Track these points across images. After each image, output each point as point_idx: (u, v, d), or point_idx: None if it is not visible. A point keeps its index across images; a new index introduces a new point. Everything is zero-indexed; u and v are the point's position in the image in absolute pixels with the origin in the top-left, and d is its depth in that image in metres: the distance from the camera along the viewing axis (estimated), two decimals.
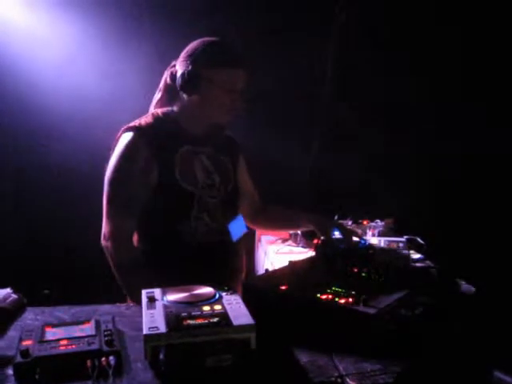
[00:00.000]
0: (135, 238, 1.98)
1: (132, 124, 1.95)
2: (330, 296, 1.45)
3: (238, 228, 2.06)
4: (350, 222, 2.51)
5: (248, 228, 2.19)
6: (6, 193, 3.36)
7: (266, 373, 1.23)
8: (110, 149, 1.95)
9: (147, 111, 2.05)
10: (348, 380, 1.19)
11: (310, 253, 2.31)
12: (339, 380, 1.20)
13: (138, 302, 1.47)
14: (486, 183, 3.39)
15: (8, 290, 1.41)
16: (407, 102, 3.46)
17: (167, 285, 1.43)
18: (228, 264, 2.04)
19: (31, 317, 1.52)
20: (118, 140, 1.94)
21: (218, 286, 1.41)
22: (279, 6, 3.31)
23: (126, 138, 1.91)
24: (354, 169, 3.42)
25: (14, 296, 1.37)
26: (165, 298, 1.35)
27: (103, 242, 1.91)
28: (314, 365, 1.26)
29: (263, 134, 3.13)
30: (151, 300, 1.35)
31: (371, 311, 1.34)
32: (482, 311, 1.59)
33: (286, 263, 1.81)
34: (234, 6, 3.23)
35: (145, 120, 1.97)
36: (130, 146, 1.89)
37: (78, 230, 3.25)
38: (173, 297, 1.36)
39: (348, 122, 3.52)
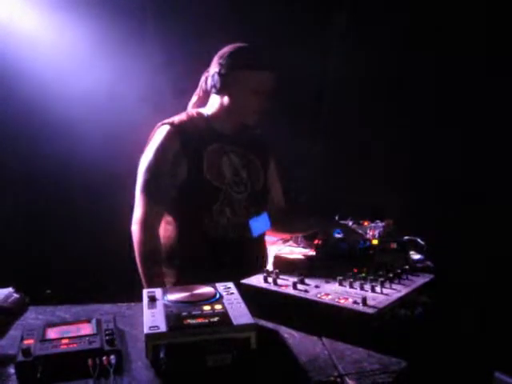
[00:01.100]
0: (162, 226, 2.08)
1: (167, 120, 2.08)
2: (330, 296, 1.46)
3: (260, 224, 2.13)
4: (350, 223, 2.50)
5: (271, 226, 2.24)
6: (7, 192, 3.36)
7: (265, 372, 1.23)
8: (146, 143, 2.07)
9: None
10: (347, 380, 1.20)
11: (311, 253, 2.31)
12: (338, 380, 1.21)
13: (153, 286, 1.56)
14: (486, 182, 3.39)
15: (10, 290, 1.42)
16: (408, 102, 3.47)
17: (185, 277, 1.46)
18: (247, 258, 2.09)
19: (33, 316, 1.53)
20: (153, 134, 2.08)
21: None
22: (281, 7, 3.32)
23: (160, 132, 2.05)
24: (354, 168, 3.42)
25: (16, 295, 1.38)
26: (165, 298, 1.36)
27: (133, 226, 2.03)
28: (313, 364, 1.26)
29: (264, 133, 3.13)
30: (152, 299, 1.35)
31: (371, 311, 1.35)
32: (482, 311, 1.59)
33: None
34: (235, 5, 3.23)
35: (179, 118, 2.10)
36: (162, 140, 2.03)
37: (80, 230, 3.26)
38: (173, 296, 1.36)
39: (349, 123, 3.52)
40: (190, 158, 2.02)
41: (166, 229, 2.09)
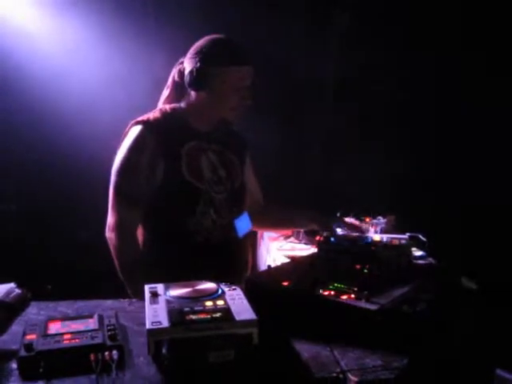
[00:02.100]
0: (140, 231, 1.99)
1: (140, 118, 1.98)
2: (333, 292, 1.46)
3: (243, 224, 2.07)
4: (352, 219, 2.50)
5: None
6: (9, 189, 3.36)
7: (268, 368, 1.23)
8: (118, 142, 1.98)
9: (152, 106, 2.07)
10: (350, 376, 1.20)
11: (313, 249, 2.31)
12: (341, 376, 1.21)
13: (138, 295, 1.49)
14: (487, 180, 3.39)
15: (12, 285, 1.42)
16: (409, 101, 3.46)
17: (170, 281, 1.44)
18: (234, 260, 2.04)
19: (35, 311, 1.53)
20: (126, 133, 1.98)
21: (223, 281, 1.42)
22: (282, 6, 3.31)
23: (134, 131, 1.95)
24: (354, 167, 3.42)
25: (18, 291, 1.38)
26: (168, 293, 1.36)
27: (107, 233, 1.94)
28: (315, 360, 1.26)
29: (265, 132, 3.12)
30: (154, 295, 1.35)
31: (373, 307, 1.35)
32: (484, 308, 1.59)
33: (288, 260, 1.82)
34: (237, 2, 3.23)
35: (153, 115, 2.00)
36: (137, 139, 1.93)
37: (81, 225, 3.27)
38: (175, 292, 1.36)
39: (349, 121, 3.52)
40: (166, 158, 1.92)
41: (143, 232, 2.00)
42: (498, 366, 1.30)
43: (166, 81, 2.08)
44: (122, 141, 1.97)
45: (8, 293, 1.36)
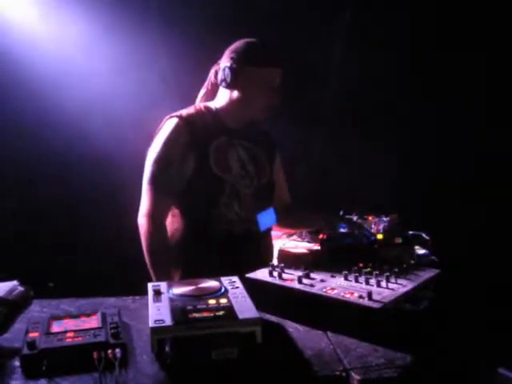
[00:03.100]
0: (169, 220, 2.08)
1: (175, 113, 2.09)
2: (336, 290, 1.46)
3: (267, 219, 2.14)
4: (355, 218, 2.50)
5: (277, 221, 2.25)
6: (10, 187, 3.36)
7: (271, 366, 1.23)
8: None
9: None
10: (352, 374, 1.20)
11: (316, 248, 2.31)
12: (344, 374, 1.20)
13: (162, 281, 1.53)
14: (489, 177, 3.39)
15: (15, 283, 1.42)
16: (409, 101, 3.46)
17: (191, 270, 1.45)
18: (253, 253, 2.07)
19: (38, 309, 1.53)
20: (161, 127, 2.08)
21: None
22: (282, 6, 3.31)
23: (168, 124, 2.06)
24: (355, 165, 3.42)
25: (21, 288, 1.38)
26: (171, 292, 1.36)
27: (139, 219, 2.03)
28: (318, 359, 1.26)
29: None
30: (157, 293, 1.35)
31: (376, 305, 1.34)
32: (487, 307, 1.59)
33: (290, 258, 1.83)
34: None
35: (187, 111, 2.11)
36: (171, 132, 2.03)
37: (84, 223, 3.26)
38: (179, 290, 1.36)
39: (350, 120, 3.52)
40: (197, 151, 2.02)
41: (172, 221, 2.09)
42: (500, 364, 1.30)
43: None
44: (157, 134, 2.07)
45: (11, 290, 1.37)
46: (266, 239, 2.19)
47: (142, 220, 2.01)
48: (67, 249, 3.31)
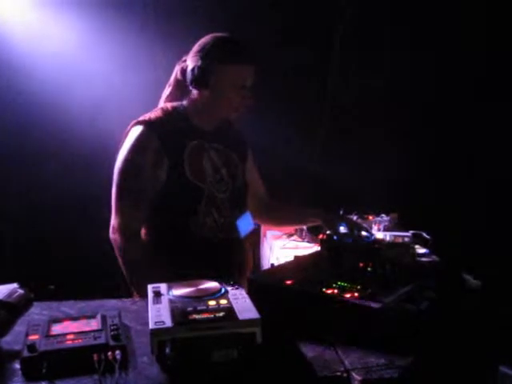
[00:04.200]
0: (143, 231, 1.99)
1: (141, 118, 1.96)
2: (336, 290, 1.46)
3: (245, 224, 2.07)
4: (355, 217, 2.50)
5: (255, 224, 2.19)
6: (10, 188, 3.36)
7: (271, 367, 1.23)
8: (119, 143, 1.96)
9: (153, 105, 2.06)
10: (353, 374, 1.19)
11: (316, 248, 2.31)
12: (345, 374, 1.20)
13: (144, 296, 1.48)
14: (489, 176, 3.39)
15: (15, 285, 1.42)
16: (410, 100, 3.46)
17: (174, 280, 1.43)
18: (235, 259, 2.04)
19: (38, 312, 1.52)
20: (127, 134, 1.95)
21: (225, 281, 1.42)
22: (282, 5, 3.31)
23: (135, 131, 1.92)
24: (355, 164, 3.42)
25: (21, 291, 1.38)
26: (171, 293, 1.36)
27: (111, 235, 1.93)
28: (319, 359, 1.26)
29: (266, 131, 3.12)
30: (157, 295, 1.35)
31: (377, 306, 1.34)
32: (487, 305, 1.58)
33: (292, 258, 1.82)
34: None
35: (154, 114, 1.98)
36: (140, 139, 1.90)
37: (84, 225, 3.26)
38: (179, 291, 1.36)
39: (350, 119, 3.52)
40: (170, 157, 1.90)
41: (147, 233, 2.00)
42: (501, 362, 1.29)
43: (168, 79, 2.06)
44: (123, 141, 1.95)
45: (11, 293, 1.36)
46: (245, 244, 2.12)
47: (115, 236, 1.91)
48: (67, 251, 3.31)
